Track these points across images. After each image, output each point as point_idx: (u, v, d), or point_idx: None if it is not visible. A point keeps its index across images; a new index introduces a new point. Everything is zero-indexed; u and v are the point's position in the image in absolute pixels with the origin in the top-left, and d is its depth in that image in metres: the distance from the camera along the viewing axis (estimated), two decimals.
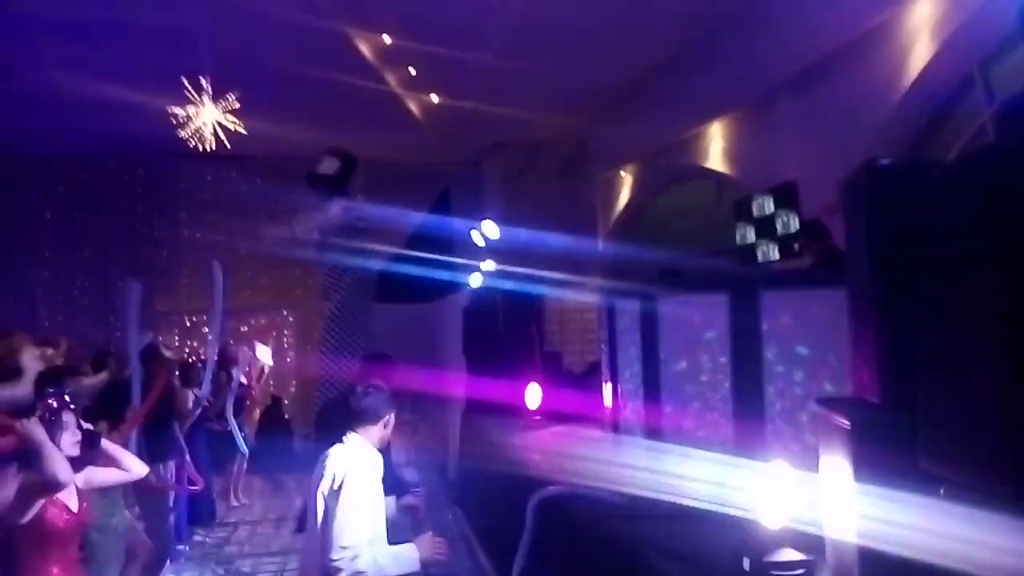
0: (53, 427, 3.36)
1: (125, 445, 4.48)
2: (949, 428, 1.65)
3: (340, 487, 3.20)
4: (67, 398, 3.51)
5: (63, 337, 7.63)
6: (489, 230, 8.98)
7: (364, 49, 10.23)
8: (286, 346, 13.75)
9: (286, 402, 12.81)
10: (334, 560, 3.10)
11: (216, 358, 7.31)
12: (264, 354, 10.12)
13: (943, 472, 1.66)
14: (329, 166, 6.02)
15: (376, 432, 3.47)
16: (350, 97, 10.55)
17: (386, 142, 11.86)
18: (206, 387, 6.90)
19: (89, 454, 3.58)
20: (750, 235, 7.12)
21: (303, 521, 3.68)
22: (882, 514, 1.80)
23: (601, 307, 5.80)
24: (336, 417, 3.92)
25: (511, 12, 8.33)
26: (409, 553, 3.35)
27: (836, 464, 2.08)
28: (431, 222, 11.81)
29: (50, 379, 4.49)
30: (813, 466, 2.37)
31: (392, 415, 3.54)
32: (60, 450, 3.31)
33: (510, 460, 5.92)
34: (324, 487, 3.25)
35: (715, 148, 9.99)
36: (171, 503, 6.59)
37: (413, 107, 11.71)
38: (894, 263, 2.01)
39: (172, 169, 12.96)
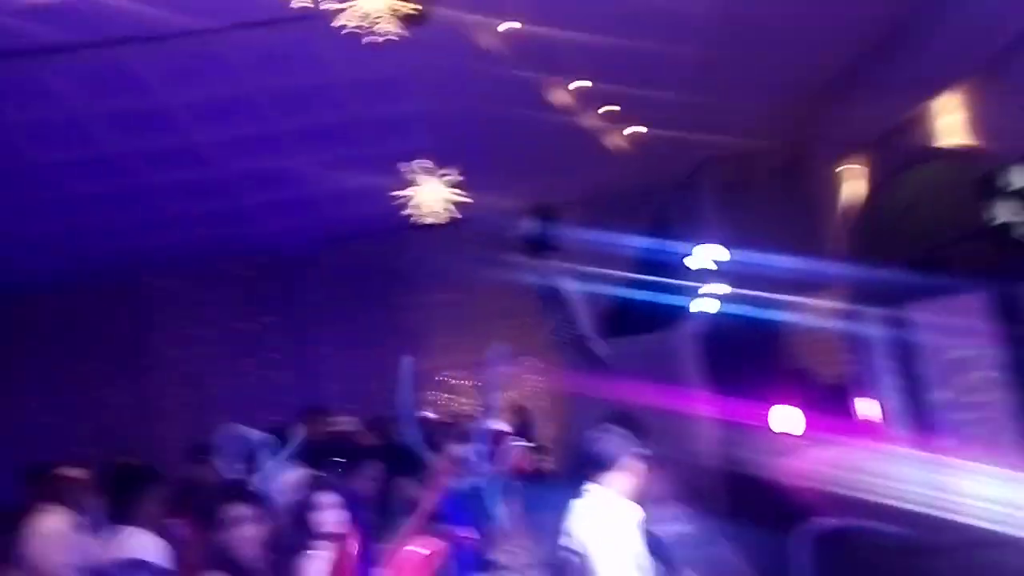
0: None
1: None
2: None
3: (586, 555, 2.95)
4: None
5: None
6: (713, 252, 8.78)
7: (562, 96, 10.52)
8: (533, 392, 14.17)
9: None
10: None
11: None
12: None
13: None
14: (531, 226, 6.37)
15: (618, 480, 3.10)
16: (553, 144, 10.86)
17: (597, 179, 12.02)
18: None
19: None
20: (1004, 213, 6.37)
21: None
22: None
23: (848, 319, 5.47)
24: (576, 465, 3.67)
25: (709, 15, 8.09)
26: None
27: None
28: (649, 249, 11.67)
29: None
30: None
31: (634, 459, 3.13)
32: None
33: (777, 487, 5.71)
34: (576, 548, 3.03)
35: (951, 121, 9.05)
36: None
37: (618, 141, 11.81)
38: None
39: (404, 242, 13.96)
